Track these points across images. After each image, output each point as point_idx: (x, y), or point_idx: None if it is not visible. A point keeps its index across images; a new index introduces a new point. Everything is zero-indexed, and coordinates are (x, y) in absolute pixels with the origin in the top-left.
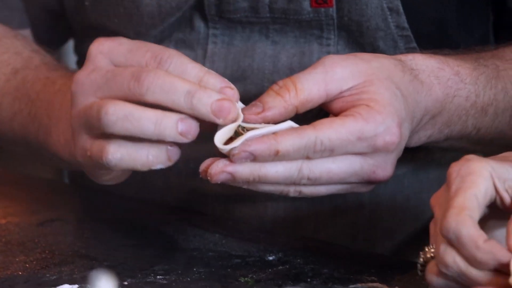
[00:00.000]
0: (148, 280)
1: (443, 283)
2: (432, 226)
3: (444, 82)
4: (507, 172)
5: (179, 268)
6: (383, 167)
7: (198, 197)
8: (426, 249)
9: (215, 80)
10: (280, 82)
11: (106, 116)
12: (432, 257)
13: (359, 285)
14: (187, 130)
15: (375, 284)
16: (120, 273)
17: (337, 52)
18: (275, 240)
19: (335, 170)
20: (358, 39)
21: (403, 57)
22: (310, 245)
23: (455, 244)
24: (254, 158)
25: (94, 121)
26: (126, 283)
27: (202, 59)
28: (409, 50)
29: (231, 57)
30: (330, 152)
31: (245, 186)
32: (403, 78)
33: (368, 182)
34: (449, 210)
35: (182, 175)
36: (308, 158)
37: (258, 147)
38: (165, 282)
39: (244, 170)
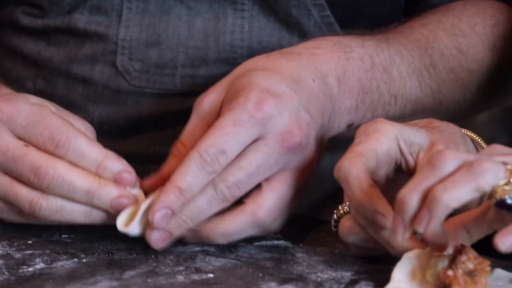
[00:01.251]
0: (53, 239)
1: (355, 238)
2: None
3: (329, 49)
4: (414, 137)
5: (83, 227)
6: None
7: None
8: (340, 207)
9: (114, 165)
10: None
11: (40, 210)
12: (345, 213)
13: (263, 242)
14: (120, 208)
15: (279, 242)
16: (25, 232)
17: (251, 18)
18: None
19: (246, 165)
20: (272, 6)
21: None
22: None
23: (343, 184)
24: (171, 211)
25: (26, 210)
26: (30, 242)
27: (117, 25)
28: (323, 18)
29: (145, 23)
30: (222, 153)
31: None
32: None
33: (287, 148)
34: (346, 155)
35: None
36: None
37: (164, 202)
38: (69, 241)
39: (173, 224)
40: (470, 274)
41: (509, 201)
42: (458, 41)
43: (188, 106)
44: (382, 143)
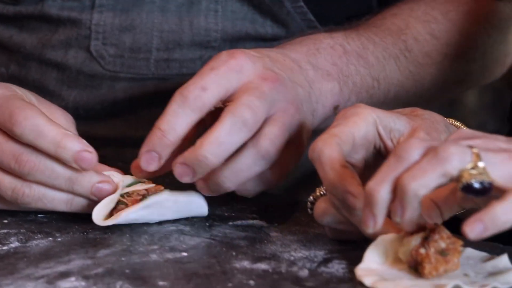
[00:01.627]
0: (28, 218)
1: (329, 219)
2: None
3: (297, 43)
4: (394, 123)
5: None
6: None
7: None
8: (317, 190)
9: (73, 144)
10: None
11: (23, 197)
12: (321, 195)
13: (239, 222)
14: (101, 194)
15: (254, 221)
16: (1, 212)
17: (225, 2)
18: (159, 179)
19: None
20: None
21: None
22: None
23: (317, 164)
24: (157, 154)
25: (7, 197)
26: (6, 221)
27: (90, 10)
28: (296, 9)
29: (119, 8)
30: (203, 89)
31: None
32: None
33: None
34: (321, 136)
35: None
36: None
37: (148, 144)
38: (45, 220)
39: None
40: (442, 253)
41: (475, 185)
42: (431, 27)
43: (163, 89)
44: (359, 126)
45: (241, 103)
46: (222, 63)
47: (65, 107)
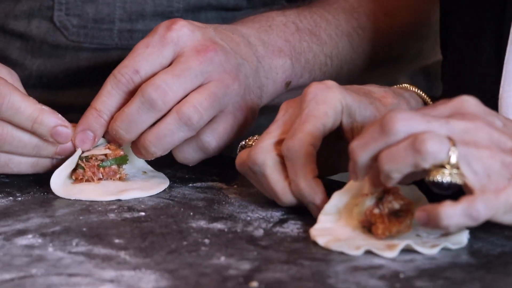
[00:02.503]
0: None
1: (244, 171)
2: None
3: (249, 20)
4: (359, 114)
5: None
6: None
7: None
8: (251, 138)
9: (49, 119)
10: None
11: None
12: (250, 145)
13: (198, 183)
14: (61, 137)
15: (214, 183)
16: None
17: None
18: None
19: (170, 70)
20: None
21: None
22: None
23: (288, 162)
24: (92, 133)
25: None
26: None
27: None
28: None
29: None
30: (135, 72)
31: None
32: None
33: (203, 56)
34: (297, 134)
35: (37, 89)
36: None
37: (83, 123)
38: (7, 180)
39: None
40: (396, 214)
41: (443, 184)
42: (384, 5)
43: None
44: (329, 117)
45: (152, 83)
46: (158, 38)
47: (29, 76)
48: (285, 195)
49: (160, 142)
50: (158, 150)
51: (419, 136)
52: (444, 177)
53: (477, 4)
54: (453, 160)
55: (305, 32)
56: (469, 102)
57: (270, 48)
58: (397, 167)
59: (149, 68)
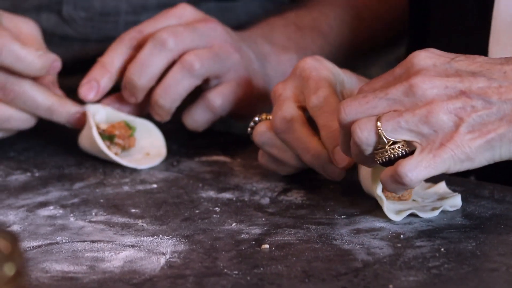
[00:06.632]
0: (9, 155)
1: (266, 139)
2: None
3: (253, 27)
4: (347, 80)
5: (36, 145)
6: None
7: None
8: (264, 114)
9: (46, 62)
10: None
11: None
12: (265, 119)
13: (204, 158)
14: (77, 123)
15: (219, 157)
16: None
17: None
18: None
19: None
20: None
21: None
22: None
23: (318, 111)
24: (96, 82)
25: None
26: None
27: None
28: None
29: None
30: (139, 32)
31: None
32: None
33: (203, 22)
34: (319, 89)
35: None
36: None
37: (90, 75)
38: (22, 158)
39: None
40: None
41: (385, 161)
42: None
43: None
44: (333, 79)
45: (163, 29)
46: (164, 12)
47: None
48: (314, 146)
49: (167, 92)
50: (166, 101)
51: (351, 129)
52: (383, 156)
53: None
54: (383, 138)
55: (306, 29)
56: (418, 57)
57: (275, 46)
58: (353, 154)
59: (150, 27)
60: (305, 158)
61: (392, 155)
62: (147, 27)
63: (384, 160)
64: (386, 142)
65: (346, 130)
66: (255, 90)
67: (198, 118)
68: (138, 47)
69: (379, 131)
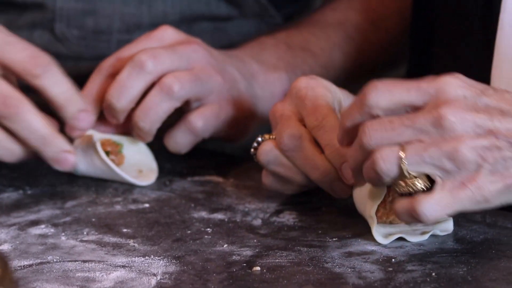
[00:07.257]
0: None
1: (271, 158)
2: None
3: (243, 46)
4: (344, 100)
5: (29, 162)
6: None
7: None
8: (266, 134)
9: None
10: None
11: None
12: (269, 138)
13: (197, 177)
14: (63, 164)
15: (212, 177)
16: None
17: None
18: None
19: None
20: None
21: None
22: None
23: (320, 131)
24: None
25: None
26: None
27: None
28: None
29: None
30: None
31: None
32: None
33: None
34: (317, 108)
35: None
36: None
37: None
38: (15, 175)
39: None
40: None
41: (404, 193)
42: (370, 16)
43: None
44: (329, 97)
45: (142, 51)
46: (145, 36)
47: None
48: (323, 164)
49: (147, 115)
50: (146, 124)
51: (373, 156)
52: (403, 189)
53: None
54: (405, 172)
55: (297, 49)
56: (450, 85)
57: (264, 65)
58: (369, 180)
59: (132, 53)
60: (313, 176)
61: (412, 189)
62: (126, 51)
63: (403, 192)
64: (408, 176)
65: (365, 153)
66: (242, 111)
67: (179, 141)
68: (117, 74)
69: (402, 163)
